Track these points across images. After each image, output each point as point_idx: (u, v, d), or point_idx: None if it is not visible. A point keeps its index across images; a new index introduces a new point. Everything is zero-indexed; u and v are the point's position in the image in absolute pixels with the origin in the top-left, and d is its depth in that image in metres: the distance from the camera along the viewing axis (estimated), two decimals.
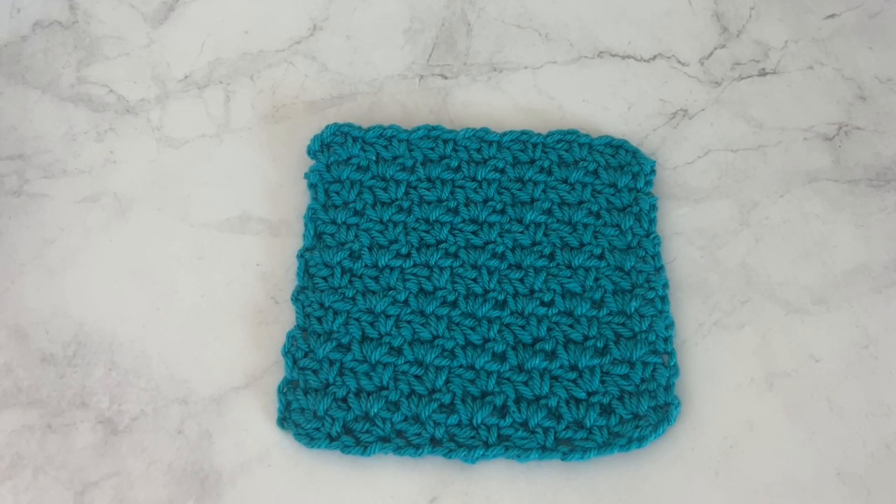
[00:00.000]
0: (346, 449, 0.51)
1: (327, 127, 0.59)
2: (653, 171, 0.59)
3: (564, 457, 0.51)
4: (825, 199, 0.59)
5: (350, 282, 0.55)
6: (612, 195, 0.58)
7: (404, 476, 0.52)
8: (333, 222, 0.57)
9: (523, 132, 0.59)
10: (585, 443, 0.51)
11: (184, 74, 0.63)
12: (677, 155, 0.61)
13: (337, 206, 0.58)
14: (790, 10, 0.65)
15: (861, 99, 0.62)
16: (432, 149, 0.59)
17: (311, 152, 0.59)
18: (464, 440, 0.51)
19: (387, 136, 0.59)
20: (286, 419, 0.52)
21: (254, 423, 0.53)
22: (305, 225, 0.57)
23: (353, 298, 0.55)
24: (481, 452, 0.51)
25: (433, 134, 0.59)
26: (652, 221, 0.57)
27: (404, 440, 0.51)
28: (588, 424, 0.51)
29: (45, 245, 0.58)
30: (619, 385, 0.52)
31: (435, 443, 0.51)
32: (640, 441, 0.51)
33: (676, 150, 0.61)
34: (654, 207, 0.57)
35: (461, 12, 0.66)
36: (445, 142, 0.59)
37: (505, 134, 0.59)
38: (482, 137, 0.59)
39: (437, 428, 0.51)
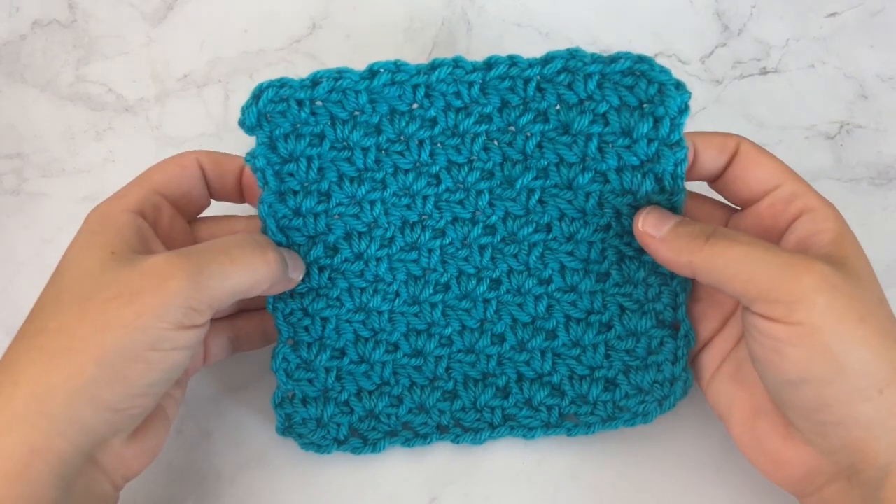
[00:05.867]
0: (356, 450, 0.50)
1: (263, 91, 0.44)
2: (684, 110, 0.44)
3: (569, 432, 0.50)
4: (827, 198, 0.59)
5: (331, 279, 0.48)
6: (626, 148, 0.45)
7: (404, 476, 0.51)
8: (297, 213, 0.47)
9: (511, 59, 0.45)
10: (590, 418, 0.50)
11: (183, 73, 0.63)
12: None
13: (296, 191, 0.47)
14: (791, 9, 0.65)
15: (863, 97, 0.62)
16: (400, 97, 0.46)
17: (247, 127, 0.45)
18: (469, 424, 0.50)
19: (341, 90, 0.45)
20: (289, 430, 0.50)
21: (254, 423, 0.53)
22: (263, 221, 0.47)
23: (339, 298, 0.49)
24: (488, 434, 0.50)
25: (399, 78, 0.45)
26: (678, 178, 0.45)
27: (411, 431, 0.51)
28: (592, 400, 0.50)
29: (44, 244, 0.58)
30: (623, 360, 0.50)
31: (442, 430, 0.51)
32: (646, 416, 0.49)
33: None
34: (681, 162, 0.44)
35: (461, 11, 0.65)
36: (415, 87, 0.46)
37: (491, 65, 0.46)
38: (460, 79, 0.45)
39: (442, 415, 0.50)
